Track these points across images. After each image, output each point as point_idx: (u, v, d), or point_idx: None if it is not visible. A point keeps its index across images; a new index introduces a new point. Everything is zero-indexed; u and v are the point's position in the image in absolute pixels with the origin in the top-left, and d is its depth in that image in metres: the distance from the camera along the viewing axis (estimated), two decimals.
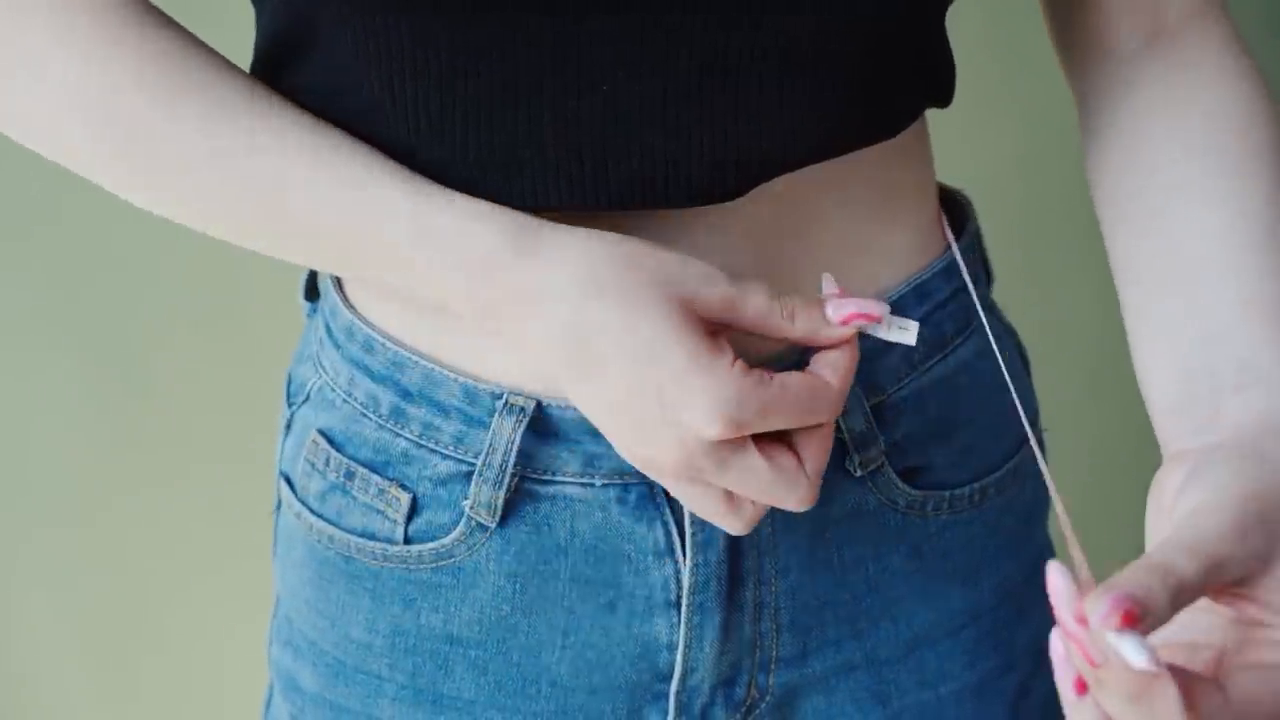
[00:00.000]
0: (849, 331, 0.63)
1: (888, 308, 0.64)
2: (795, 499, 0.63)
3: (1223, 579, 0.54)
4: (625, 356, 0.60)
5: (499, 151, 0.63)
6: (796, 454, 0.63)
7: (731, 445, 0.61)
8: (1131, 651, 0.49)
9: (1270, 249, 0.65)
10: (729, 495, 0.64)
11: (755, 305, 0.62)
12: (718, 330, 0.62)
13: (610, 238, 0.62)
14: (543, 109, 0.63)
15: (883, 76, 0.67)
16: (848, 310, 0.63)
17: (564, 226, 0.63)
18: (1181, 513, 0.57)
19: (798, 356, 0.67)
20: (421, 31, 0.62)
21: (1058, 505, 0.61)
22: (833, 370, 0.63)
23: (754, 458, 0.62)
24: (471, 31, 0.62)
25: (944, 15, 0.71)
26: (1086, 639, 0.51)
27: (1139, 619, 0.50)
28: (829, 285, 0.64)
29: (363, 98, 0.64)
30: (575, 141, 0.63)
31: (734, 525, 0.65)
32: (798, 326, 0.63)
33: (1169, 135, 0.70)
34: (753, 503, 0.64)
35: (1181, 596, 0.52)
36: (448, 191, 0.63)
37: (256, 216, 0.65)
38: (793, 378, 0.62)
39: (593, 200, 0.64)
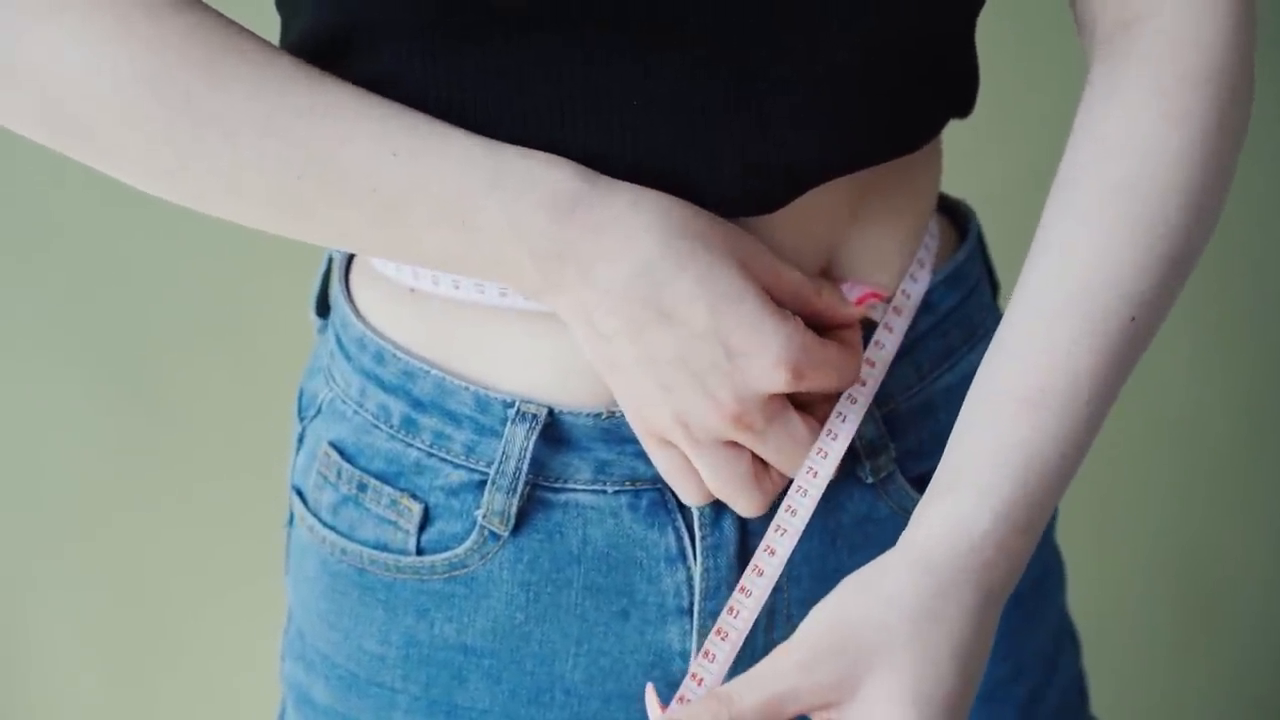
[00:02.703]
0: (862, 311, 0.69)
1: (890, 291, 0.71)
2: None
3: (796, 707, 0.57)
4: (705, 296, 0.63)
5: None
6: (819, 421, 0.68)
7: (779, 404, 0.65)
8: None
9: (1063, 314, 0.63)
10: (755, 464, 0.67)
11: (794, 277, 0.66)
12: None
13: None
14: (573, 126, 0.64)
15: (909, 91, 0.68)
16: (861, 290, 0.69)
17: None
18: (798, 628, 0.60)
19: None
20: (456, 50, 0.63)
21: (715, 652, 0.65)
22: (856, 345, 0.68)
23: (795, 418, 0.66)
24: (502, 54, 0.63)
25: (973, 28, 0.72)
26: None
27: None
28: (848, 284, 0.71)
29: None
30: (605, 159, 0.64)
31: (753, 498, 0.67)
32: (823, 299, 0.67)
33: (1063, 164, 0.67)
34: (772, 480, 0.67)
35: None
36: (519, 147, 0.64)
37: (307, 182, 0.63)
38: (833, 343, 0.66)
39: None
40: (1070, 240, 0.64)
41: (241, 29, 0.64)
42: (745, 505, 0.68)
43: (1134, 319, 0.63)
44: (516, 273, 0.64)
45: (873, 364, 0.71)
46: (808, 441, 0.67)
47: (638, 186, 0.64)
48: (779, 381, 0.64)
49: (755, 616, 0.66)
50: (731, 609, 0.66)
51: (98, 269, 1.31)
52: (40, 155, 0.71)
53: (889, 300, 0.71)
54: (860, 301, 0.69)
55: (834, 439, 0.68)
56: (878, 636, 0.58)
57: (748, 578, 0.66)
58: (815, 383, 0.65)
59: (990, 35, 0.76)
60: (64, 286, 1.32)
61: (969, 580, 0.60)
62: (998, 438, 0.62)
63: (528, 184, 0.63)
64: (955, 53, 0.72)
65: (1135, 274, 0.64)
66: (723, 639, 0.65)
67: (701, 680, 0.64)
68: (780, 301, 0.66)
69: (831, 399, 0.69)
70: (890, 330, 0.72)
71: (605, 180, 0.64)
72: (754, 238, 0.66)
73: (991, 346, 0.65)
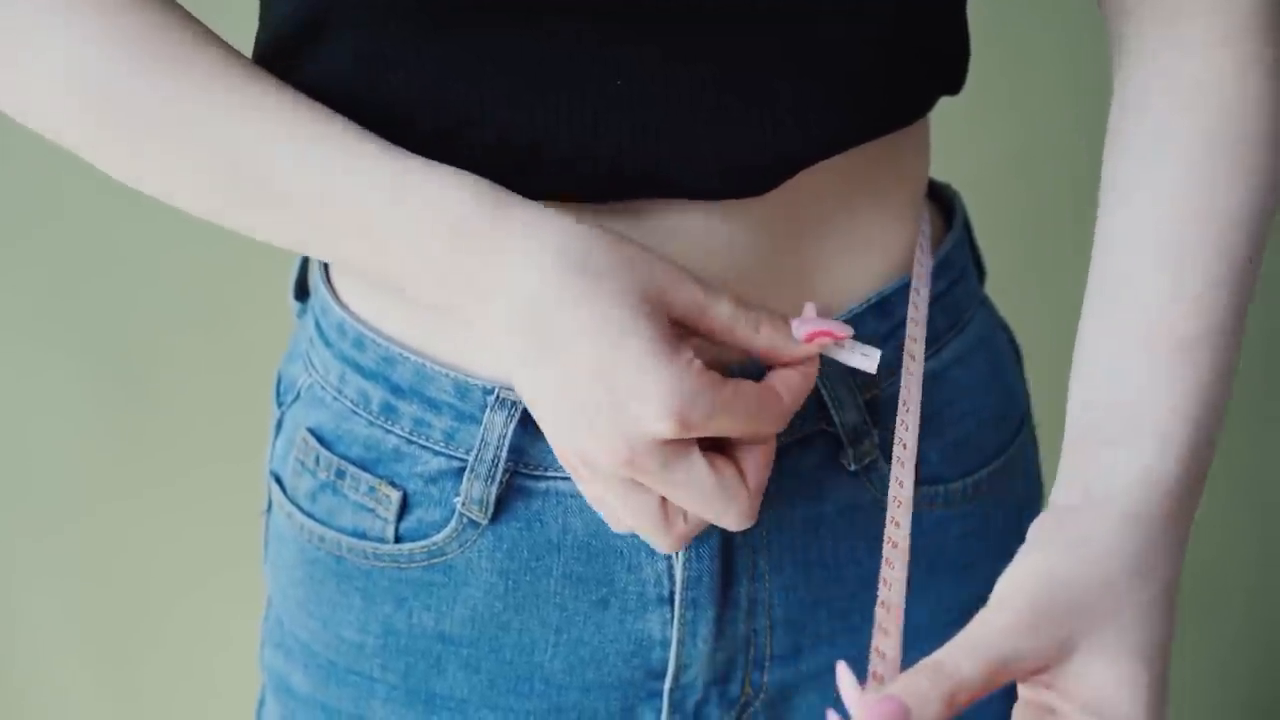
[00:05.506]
0: (811, 350, 0.64)
1: (851, 331, 0.64)
2: (735, 512, 0.62)
3: (1016, 671, 0.55)
4: (586, 334, 0.59)
5: (512, 148, 0.64)
6: (738, 466, 0.62)
7: (676, 448, 0.60)
8: None
9: (1193, 258, 0.63)
10: (664, 505, 0.63)
11: (722, 311, 0.62)
12: (681, 335, 0.61)
13: (582, 222, 0.61)
14: (555, 111, 0.63)
15: (898, 72, 0.67)
16: (812, 327, 0.63)
17: (537, 204, 0.62)
18: (995, 592, 0.58)
19: (755, 372, 0.65)
20: (436, 34, 0.62)
21: (888, 589, 0.61)
22: (786, 387, 0.63)
23: (699, 464, 0.61)
24: (485, 36, 0.62)
25: (964, 6, 0.71)
26: None
27: None
28: (809, 311, 0.65)
29: (374, 94, 0.64)
30: (591, 144, 0.64)
31: (664, 540, 0.64)
32: (761, 337, 0.63)
33: (1139, 113, 0.67)
34: (685, 519, 0.63)
35: (958, 697, 0.54)
36: (430, 162, 0.62)
37: (227, 185, 0.63)
38: (745, 384, 0.61)
39: (609, 195, 0.65)
40: (1177, 186, 0.64)
41: (190, 25, 0.64)
42: (658, 545, 0.64)
43: (1250, 259, 0.64)
44: (425, 292, 0.63)
45: (912, 368, 0.69)
46: (714, 489, 0.61)
47: (545, 212, 0.61)
48: (663, 429, 0.59)
49: (905, 582, 0.62)
50: (885, 581, 0.62)
51: (80, 257, 1.31)
52: (25, 145, 0.71)
53: (854, 338, 0.66)
54: (810, 339, 0.64)
55: (904, 447, 0.67)
56: (1098, 594, 0.56)
57: (886, 549, 0.64)
58: (714, 430, 0.60)
59: (980, 22, 0.75)
60: (46, 276, 1.31)
61: (1169, 528, 0.59)
62: (1166, 383, 0.61)
63: (427, 205, 0.61)
64: (947, 31, 0.71)
65: (1247, 216, 0.64)
66: (887, 611, 0.61)
67: (885, 654, 0.59)
68: (711, 338, 0.63)
69: (768, 442, 0.64)
70: (915, 340, 0.70)
71: (508, 203, 0.61)
72: (677, 268, 0.62)
73: (1111, 292, 0.64)
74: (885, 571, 0.62)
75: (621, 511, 0.63)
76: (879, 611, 0.60)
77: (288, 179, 0.62)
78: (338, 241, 0.63)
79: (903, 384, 0.69)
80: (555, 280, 0.60)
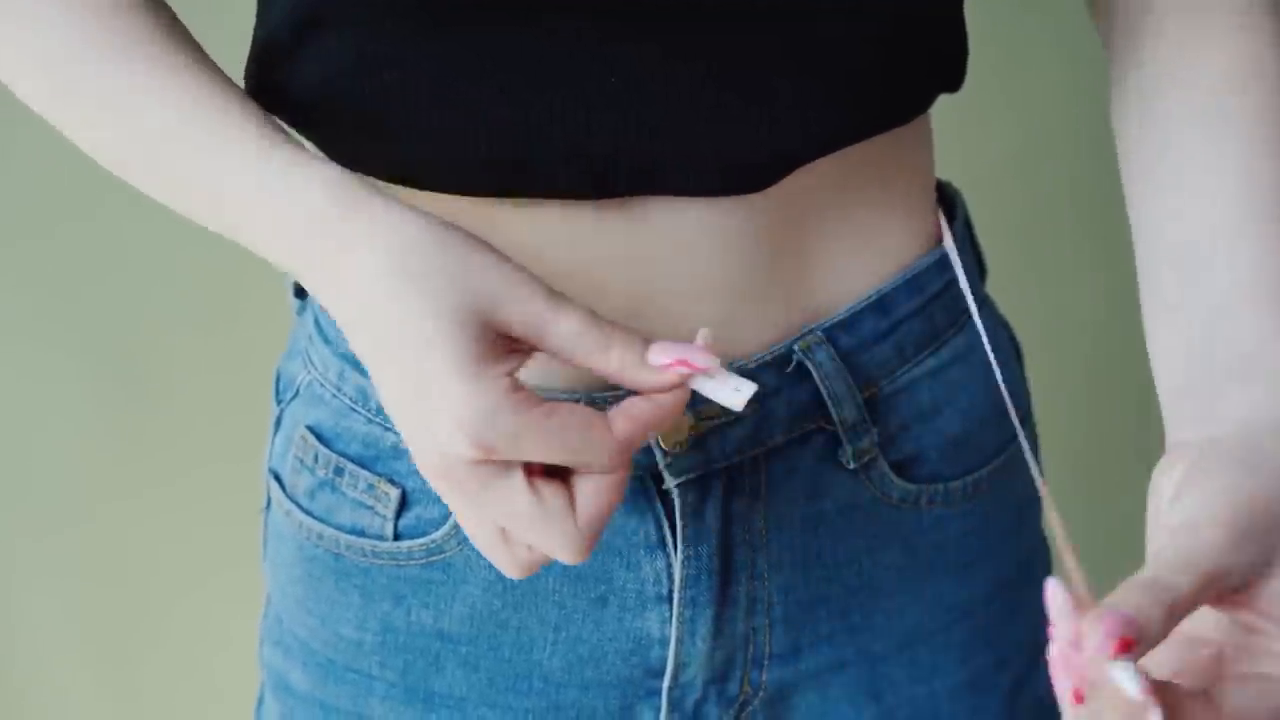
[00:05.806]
0: (665, 379, 0.58)
1: (717, 362, 0.58)
2: (561, 546, 0.58)
3: (1222, 588, 0.54)
4: (401, 344, 0.57)
5: (510, 145, 0.64)
6: (571, 497, 0.58)
7: (495, 468, 0.57)
8: (1126, 681, 0.50)
9: (1272, 233, 0.64)
10: (503, 529, 0.60)
11: (566, 328, 0.57)
12: (513, 350, 0.58)
13: (436, 222, 0.58)
14: (549, 109, 0.63)
15: (898, 69, 0.68)
16: (671, 355, 0.58)
17: (398, 201, 0.59)
18: (1178, 520, 0.56)
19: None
20: (436, 32, 0.63)
21: (1054, 520, 0.59)
22: (627, 417, 0.58)
23: (516, 488, 0.57)
24: (484, 34, 0.62)
25: (962, 4, 0.72)
26: (1081, 662, 0.51)
27: (1134, 644, 0.50)
28: (700, 338, 0.59)
29: (372, 92, 0.65)
30: (587, 142, 0.64)
31: (506, 566, 0.61)
32: (610, 360, 0.58)
33: (1180, 101, 0.68)
34: (529, 550, 0.60)
35: (1176, 614, 0.52)
36: (302, 153, 0.62)
37: (142, 162, 0.65)
38: (566, 409, 0.57)
39: (607, 191, 0.65)
40: (1239, 168, 0.65)
41: (142, 7, 0.65)
42: (501, 569, 0.61)
43: None
44: (303, 282, 0.63)
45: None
46: (534, 516, 0.57)
47: (398, 209, 0.59)
48: (459, 448, 0.56)
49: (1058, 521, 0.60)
50: (1046, 523, 0.61)
51: (80, 257, 1.31)
52: (26, 146, 0.71)
53: (730, 368, 0.63)
54: (666, 368, 0.58)
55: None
56: None
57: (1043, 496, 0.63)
58: (524, 455, 0.57)
59: (980, 20, 0.75)
60: (47, 276, 1.31)
61: None
62: None
63: (287, 197, 0.61)
64: (946, 30, 0.71)
65: None
66: (1064, 543, 0.59)
67: (1078, 581, 0.55)
68: (556, 354, 0.58)
69: (607, 474, 0.59)
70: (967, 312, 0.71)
71: (366, 200, 0.59)
72: (525, 280, 0.58)
73: (1191, 265, 0.65)
74: (1048, 515, 0.61)
75: (466, 531, 0.61)
76: (1061, 546, 0.58)
77: (175, 163, 0.63)
78: (235, 230, 0.63)
79: (985, 337, 0.70)
80: (380, 283, 0.57)
